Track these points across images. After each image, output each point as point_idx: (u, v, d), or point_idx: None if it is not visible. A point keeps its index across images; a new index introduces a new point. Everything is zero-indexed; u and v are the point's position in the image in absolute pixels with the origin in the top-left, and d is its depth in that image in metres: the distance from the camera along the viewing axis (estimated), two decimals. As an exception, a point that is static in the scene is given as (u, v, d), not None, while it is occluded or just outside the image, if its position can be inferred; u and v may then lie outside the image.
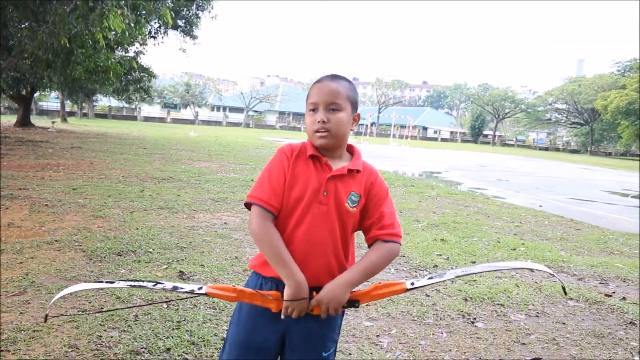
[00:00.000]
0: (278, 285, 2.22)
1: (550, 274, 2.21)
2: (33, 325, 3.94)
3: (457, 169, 25.34)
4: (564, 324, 4.84)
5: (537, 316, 5.00)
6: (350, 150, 2.38)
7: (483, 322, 4.72)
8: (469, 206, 11.79)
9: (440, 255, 7.00)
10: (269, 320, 2.23)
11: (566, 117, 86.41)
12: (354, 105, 2.31)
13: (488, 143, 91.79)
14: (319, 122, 2.23)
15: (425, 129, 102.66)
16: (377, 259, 2.24)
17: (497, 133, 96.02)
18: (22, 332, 3.81)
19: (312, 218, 2.20)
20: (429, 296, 5.32)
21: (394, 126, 75.25)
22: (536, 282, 6.06)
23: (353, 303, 2.22)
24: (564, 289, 2.44)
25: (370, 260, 2.23)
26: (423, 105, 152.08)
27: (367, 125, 61.21)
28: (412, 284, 2.28)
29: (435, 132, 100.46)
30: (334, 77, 2.31)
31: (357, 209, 2.25)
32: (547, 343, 4.38)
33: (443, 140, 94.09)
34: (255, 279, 2.31)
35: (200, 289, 2.23)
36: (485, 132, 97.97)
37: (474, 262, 6.71)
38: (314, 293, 2.18)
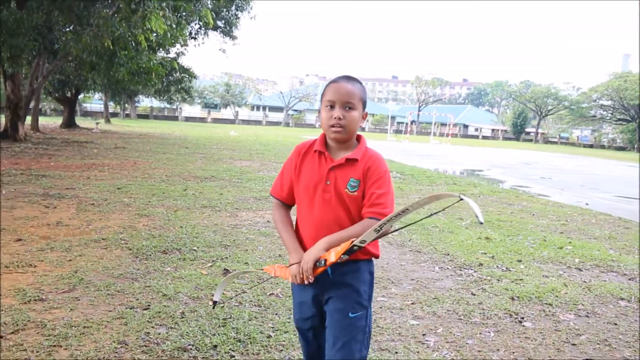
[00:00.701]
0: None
1: (460, 198, 2.13)
2: (83, 321, 4.00)
3: (499, 167, 25.02)
4: (615, 324, 4.72)
5: (587, 316, 4.89)
6: (358, 140, 2.63)
7: (531, 322, 4.63)
8: (512, 204, 11.63)
9: (485, 253, 6.91)
10: (303, 287, 2.60)
11: (611, 114, 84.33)
12: (364, 105, 2.58)
13: (530, 140, 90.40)
14: (335, 118, 2.49)
15: (466, 126, 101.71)
16: (358, 230, 2.42)
17: (540, 130, 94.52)
18: (73, 328, 3.88)
19: (320, 204, 2.52)
20: (475, 295, 5.25)
21: (435, 124, 74.65)
22: (585, 282, 5.94)
23: (321, 260, 2.43)
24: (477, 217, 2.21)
25: (351, 230, 2.44)
26: (463, 103, 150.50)
27: (407, 124, 60.98)
28: (362, 241, 2.36)
29: (476, 129, 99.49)
30: (349, 79, 2.57)
31: (357, 193, 2.49)
32: (598, 344, 4.28)
33: (484, 138, 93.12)
34: None
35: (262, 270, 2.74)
36: (527, 130, 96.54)
37: (520, 261, 6.61)
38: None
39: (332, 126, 2.50)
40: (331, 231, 2.48)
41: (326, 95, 2.54)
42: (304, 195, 2.59)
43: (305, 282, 2.48)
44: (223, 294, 4.74)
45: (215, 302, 2.91)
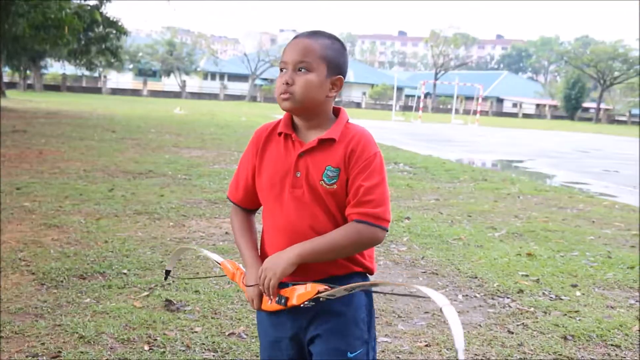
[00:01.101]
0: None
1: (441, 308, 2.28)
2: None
3: (547, 156, 25.17)
4: None
5: (668, 361, 4.92)
6: (336, 114, 2.69)
7: (591, 370, 4.66)
8: (564, 207, 11.69)
9: (527, 276, 6.93)
10: (275, 320, 2.67)
11: None
12: (333, 66, 2.59)
13: (590, 119, 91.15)
14: (283, 84, 2.55)
15: (500, 100, 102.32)
16: (341, 238, 2.50)
17: (603, 105, 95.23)
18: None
19: (290, 203, 2.58)
20: (512, 333, 5.27)
21: (457, 98, 74.96)
22: (664, 314, 5.98)
23: (281, 298, 2.54)
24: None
25: (331, 237, 2.51)
26: (497, 68, 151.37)
27: (418, 97, 61.05)
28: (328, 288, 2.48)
29: (514, 105, 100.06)
30: (313, 34, 2.62)
31: (337, 185, 2.54)
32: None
33: (525, 116, 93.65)
34: None
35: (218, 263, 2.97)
36: (585, 105, 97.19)
37: (575, 286, 6.64)
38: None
39: (281, 96, 2.56)
40: (307, 238, 2.52)
41: (281, 57, 2.63)
42: (268, 193, 2.65)
43: (267, 303, 2.59)
44: (164, 334, 4.72)
45: (168, 272, 3.11)
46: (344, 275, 2.59)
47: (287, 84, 2.52)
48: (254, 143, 2.71)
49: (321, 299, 2.44)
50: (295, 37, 2.62)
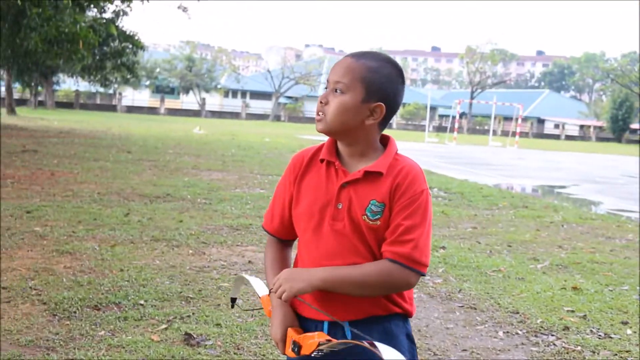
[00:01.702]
0: (317, 326, 2.61)
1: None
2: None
3: (592, 182, 25.03)
4: None
5: None
6: (385, 143, 2.65)
7: (644, 415, 4.60)
8: (613, 238, 11.60)
9: (573, 311, 6.87)
10: None
11: None
12: (373, 90, 2.51)
13: (638, 142, 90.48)
14: (319, 102, 2.57)
15: (541, 121, 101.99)
16: (370, 274, 2.46)
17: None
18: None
19: (328, 237, 2.55)
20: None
21: (495, 118, 74.77)
22: None
23: (295, 345, 2.51)
24: None
25: (361, 271, 2.48)
26: (538, 87, 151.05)
27: (453, 118, 61.02)
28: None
29: (556, 126, 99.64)
30: (361, 54, 2.59)
31: (380, 222, 2.50)
32: None
33: (569, 137, 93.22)
34: None
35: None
36: (633, 126, 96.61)
37: (626, 323, 6.57)
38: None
39: (317, 114, 2.60)
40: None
41: None
42: (306, 223, 2.61)
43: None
44: None
45: (234, 300, 3.05)
46: (384, 316, 2.58)
47: (321, 102, 2.54)
48: (292, 170, 2.69)
49: (324, 350, 2.39)
50: (345, 56, 2.60)
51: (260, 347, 5.33)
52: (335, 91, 2.51)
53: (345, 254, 2.51)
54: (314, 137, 44.64)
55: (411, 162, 2.58)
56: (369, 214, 2.48)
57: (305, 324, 2.61)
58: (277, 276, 2.52)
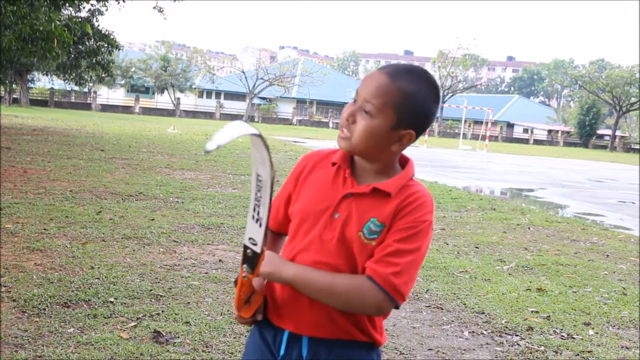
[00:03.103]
0: (277, 334, 2.49)
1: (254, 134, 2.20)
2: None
3: (559, 186, 25.17)
4: None
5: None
6: (404, 165, 2.49)
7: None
8: (577, 240, 11.68)
9: (537, 312, 6.92)
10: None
11: None
12: (405, 118, 2.30)
13: (605, 147, 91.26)
14: (345, 117, 2.35)
15: (510, 125, 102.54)
16: (341, 283, 2.30)
17: (619, 133, 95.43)
18: None
19: (316, 247, 2.38)
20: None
21: (465, 122, 75.11)
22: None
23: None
24: None
25: (332, 278, 2.32)
26: (508, 92, 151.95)
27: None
28: None
29: (525, 130, 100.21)
30: (400, 73, 2.32)
31: (375, 242, 2.32)
32: None
33: (537, 142, 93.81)
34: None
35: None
36: (599, 132, 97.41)
37: (588, 324, 6.62)
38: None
39: (339, 133, 2.39)
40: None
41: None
42: (298, 224, 2.46)
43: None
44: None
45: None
46: (348, 341, 2.41)
47: (347, 120, 2.32)
48: (299, 166, 2.55)
49: (248, 250, 2.34)
50: (380, 69, 2.36)
51: (229, 345, 5.32)
52: (365, 112, 2.28)
53: (328, 262, 2.35)
54: (287, 138, 44.63)
55: (424, 190, 2.39)
56: (366, 231, 2.31)
57: (266, 328, 2.50)
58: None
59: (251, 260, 2.32)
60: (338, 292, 2.27)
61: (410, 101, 2.28)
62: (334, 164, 2.43)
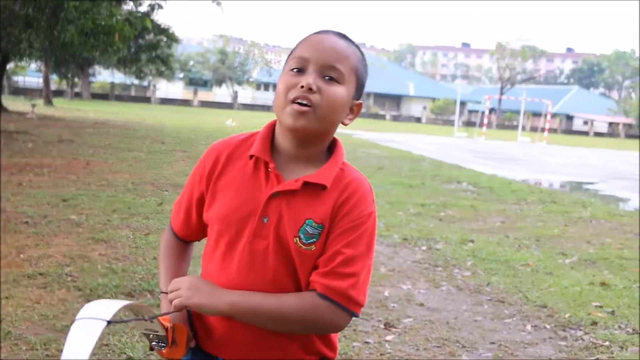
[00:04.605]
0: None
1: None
2: (11, 394, 4.01)
3: (621, 178, 24.81)
4: None
5: None
6: (332, 148, 2.16)
7: (671, 410, 4.55)
8: (641, 234, 11.49)
9: (601, 307, 6.81)
10: None
11: None
12: (360, 86, 2.10)
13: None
14: (302, 87, 1.95)
15: (570, 118, 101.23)
16: (291, 308, 1.98)
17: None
18: (-4, 404, 3.89)
19: (243, 257, 2.03)
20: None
21: (524, 114, 74.33)
22: None
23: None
24: None
25: (280, 302, 1.98)
26: (567, 83, 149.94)
27: (482, 113, 60.63)
28: None
29: (585, 122, 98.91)
30: (345, 37, 2.08)
31: (316, 246, 2.00)
32: None
33: (597, 134, 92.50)
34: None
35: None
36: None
37: (653, 319, 6.51)
38: None
39: (296, 102, 1.96)
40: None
41: (295, 52, 2.05)
42: (218, 234, 2.09)
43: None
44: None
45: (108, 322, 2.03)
46: None
47: (311, 89, 1.94)
48: (207, 162, 2.17)
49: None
50: (322, 33, 2.06)
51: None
52: (328, 79, 1.97)
53: (262, 280, 2.01)
54: (344, 131, 44.60)
55: (360, 176, 2.13)
56: (302, 236, 1.98)
57: (199, 358, 2.17)
58: (179, 280, 2.05)
59: (160, 339, 2.05)
60: (289, 318, 1.97)
61: (364, 68, 2.10)
62: (251, 157, 2.06)
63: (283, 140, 2.06)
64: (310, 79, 1.94)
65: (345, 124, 2.11)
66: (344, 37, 2.07)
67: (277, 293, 1.99)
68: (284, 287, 2.01)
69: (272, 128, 2.12)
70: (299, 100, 1.94)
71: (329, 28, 2.11)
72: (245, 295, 1.97)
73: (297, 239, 1.98)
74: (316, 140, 2.05)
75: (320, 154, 2.10)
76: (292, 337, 2.07)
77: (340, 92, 1.98)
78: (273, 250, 2.00)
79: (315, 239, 1.98)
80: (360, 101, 2.12)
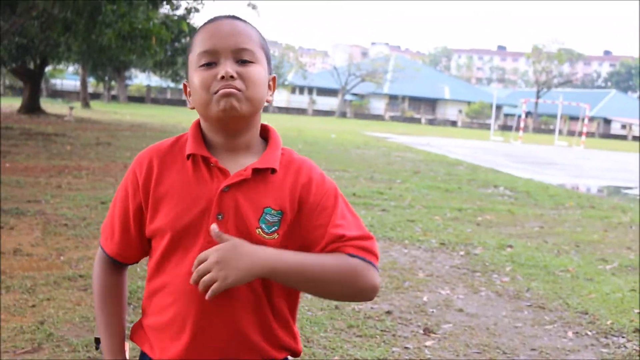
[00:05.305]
0: None
1: None
2: (53, 397, 4.03)
3: (660, 183, 24.54)
4: None
5: None
6: (265, 134, 2.12)
7: None
8: (682, 240, 11.36)
9: (644, 313, 6.75)
10: None
11: None
12: (269, 61, 2.06)
13: None
14: (222, 77, 1.90)
15: (607, 121, 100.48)
16: (329, 264, 1.92)
17: None
18: (38, 406, 3.91)
19: None
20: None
21: (561, 118, 73.91)
22: None
23: None
24: None
25: (316, 259, 1.93)
26: (605, 87, 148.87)
27: (519, 117, 60.43)
28: None
29: (623, 126, 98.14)
30: (235, 17, 2.05)
31: (278, 234, 1.96)
32: None
33: (636, 138, 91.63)
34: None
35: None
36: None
37: (697, 326, 6.42)
38: None
39: (220, 93, 1.90)
40: (232, 311, 1.95)
41: (197, 46, 1.99)
42: (170, 242, 1.97)
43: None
44: None
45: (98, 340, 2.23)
46: None
47: (232, 77, 1.89)
48: (137, 173, 2.03)
49: None
50: (216, 20, 2.02)
51: (330, 341, 5.32)
52: (242, 62, 1.93)
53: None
54: (380, 134, 44.59)
55: (302, 157, 2.10)
56: (263, 226, 1.93)
57: None
58: (202, 256, 1.83)
59: None
60: (330, 277, 1.91)
61: (264, 41, 2.06)
62: (189, 157, 1.98)
63: (214, 135, 2.01)
64: (227, 67, 1.90)
65: (269, 102, 2.06)
66: (236, 18, 2.04)
67: (242, 298, 1.94)
68: (253, 285, 1.93)
69: (198, 127, 2.05)
70: (226, 90, 1.89)
71: (222, 14, 2.07)
72: (283, 255, 1.88)
73: (259, 229, 1.93)
74: (247, 124, 2.00)
75: (256, 142, 2.06)
76: (263, 335, 1.99)
77: (259, 70, 1.96)
78: None
79: (276, 227, 1.95)
80: (274, 75, 2.10)
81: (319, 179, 2.02)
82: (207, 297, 1.80)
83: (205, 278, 1.79)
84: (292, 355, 2.11)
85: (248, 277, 1.82)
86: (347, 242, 1.94)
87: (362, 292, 1.96)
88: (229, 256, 1.80)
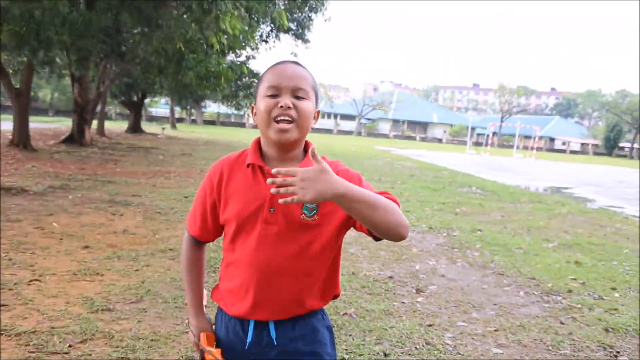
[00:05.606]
0: (243, 324, 2.04)
1: None
2: (150, 334, 4.12)
3: (589, 185, 24.30)
4: None
5: (692, 353, 4.69)
6: (306, 148, 2.08)
7: (627, 357, 4.48)
8: (605, 226, 11.28)
9: (575, 279, 6.72)
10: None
11: None
12: (317, 98, 2.05)
13: (624, 156, 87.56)
14: (281, 106, 1.91)
15: (552, 139, 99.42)
16: (382, 199, 1.80)
17: (636, 145, 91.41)
18: (140, 340, 4.00)
19: (261, 242, 1.95)
20: (564, 324, 5.12)
21: (518, 136, 73.34)
22: (688, 314, 5.71)
23: (201, 353, 2.06)
24: None
25: (374, 194, 1.81)
26: (550, 114, 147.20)
27: (487, 136, 59.99)
28: None
29: (563, 143, 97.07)
30: (297, 62, 2.05)
31: (318, 216, 1.94)
32: None
33: (572, 152, 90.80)
34: (219, 317, 2.14)
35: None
36: (621, 144, 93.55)
37: (614, 289, 6.41)
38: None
39: (278, 119, 1.92)
40: (282, 280, 1.96)
41: (266, 81, 1.98)
42: (237, 228, 2.00)
43: None
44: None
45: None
46: (306, 313, 2.05)
47: (289, 107, 1.91)
48: (213, 177, 2.06)
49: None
50: (282, 64, 2.02)
51: (348, 297, 5.36)
52: (298, 98, 1.95)
53: (280, 252, 1.95)
54: (386, 148, 44.50)
55: (336, 160, 2.08)
56: (305, 211, 1.93)
57: (230, 323, 2.06)
58: (293, 172, 1.70)
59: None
60: (385, 206, 1.77)
61: (316, 83, 2.04)
62: (248, 165, 2.00)
63: (270, 149, 2.01)
64: (287, 99, 1.91)
65: (312, 128, 2.03)
66: (298, 63, 2.04)
67: (298, 266, 1.95)
68: (299, 255, 1.95)
69: (258, 142, 2.06)
70: (282, 117, 1.91)
71: (287, 59, 2.07)
72: (352, 186, 1.75)
73: (303, 215, 1.93)
74: (296, 145, 2.00)
75: (300, 154, 2.03)
76: (308, 296, 2.01)
77: (309, 105, 1.96)
78: (284, 230, 1.93)
79: (315, 210, 1.93)
80: (318, 109, 2.07)
81: (345, 169, 2.02)
82: (280, 201, 1.69)
83: (289, 189, 1.68)
84: (322, 309, 2.10)
85: (321, 199, 1.69)
86: (378, 192, 1.86)
87: (401, 225, 1.80)
88: (313, 177, 1.69)
